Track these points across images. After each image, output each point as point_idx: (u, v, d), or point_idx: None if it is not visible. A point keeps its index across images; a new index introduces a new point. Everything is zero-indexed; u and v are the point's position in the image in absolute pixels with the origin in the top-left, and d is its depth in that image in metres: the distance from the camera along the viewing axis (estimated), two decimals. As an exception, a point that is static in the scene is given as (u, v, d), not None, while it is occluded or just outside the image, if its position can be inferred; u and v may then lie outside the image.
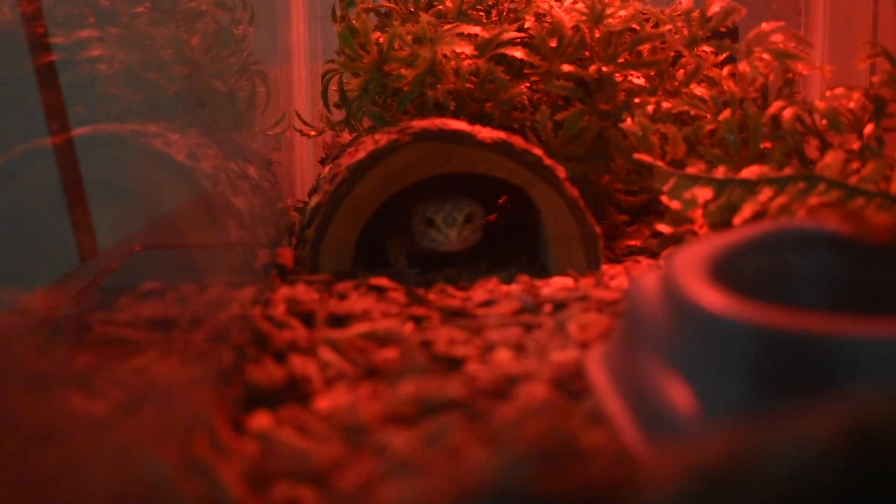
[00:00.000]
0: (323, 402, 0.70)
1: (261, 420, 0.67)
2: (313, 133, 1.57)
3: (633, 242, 1.28)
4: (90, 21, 1.26)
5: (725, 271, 0.67)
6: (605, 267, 1.14)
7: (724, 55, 1.31)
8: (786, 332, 0.55)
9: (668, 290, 0.65)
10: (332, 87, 1.42)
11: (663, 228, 1.12)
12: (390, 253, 1.20)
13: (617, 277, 1.08)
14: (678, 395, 0.58)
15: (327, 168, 1.26)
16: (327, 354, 0.80)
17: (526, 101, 1.33)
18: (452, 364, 0.78)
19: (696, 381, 0.58)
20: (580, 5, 1.32)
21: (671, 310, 0.63)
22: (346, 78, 1.38)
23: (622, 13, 1.29)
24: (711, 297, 0.60)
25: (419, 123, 1.13)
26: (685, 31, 1.31)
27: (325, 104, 1.45)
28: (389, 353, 0.80)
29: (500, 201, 1.43)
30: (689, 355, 0.60)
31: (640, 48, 1.34)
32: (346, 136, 1.49)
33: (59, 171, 1.08)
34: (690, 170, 1.07)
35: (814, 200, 0.98)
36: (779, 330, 0.56)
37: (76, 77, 1.19)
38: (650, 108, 1.25)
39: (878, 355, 0.53)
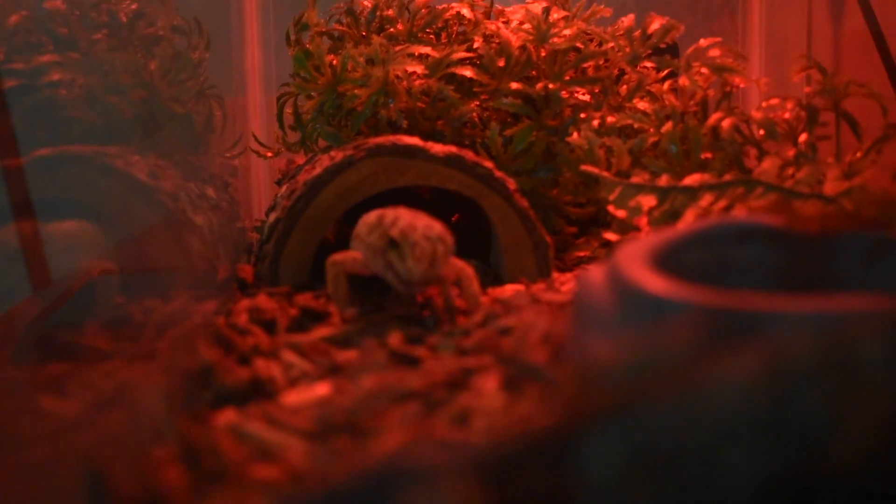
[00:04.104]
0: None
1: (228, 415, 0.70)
2: (269, 154, 1.59)
3: (582, 253, 1.31)
4: (49, 48, 1.28)
5: (667, 263, 0.71)
6: (555, 275, 1.18)
7: (666, 71, 1.36)
8: (724, 310, 0.59)
9: (614, 279, 0.69)
10: (288, 109, 1.45)
11: (610, 236, 1.16)
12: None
13: (567, 283, 1.12)
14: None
15: (284, 187, 1.29)
16: (290, 356, 0.83)
17: (476, 119, 1.37)
18: (411, 361, 0.82)
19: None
20: (526, 26, 1.36)
21: (616, 296, 0.67)
22: (301, 100, 1.41)
23: (566, 32, 1.34)
24: (653, 282, 0.64)
25: (374, 140, 1.16)
26: (627, 49, 1.36)
27: (281, 126, 1.48)
28: (350, 354, 0.83)
29: (453, 219, 1.46)
30: (633, 337, 0.63)
31: (585, 66, 1.39)
32: (301, 160, 1.52)
33: (10, 197, 1.07)
34: (635, 179, 1.11)
35: (753, 203, 1.02)
36: (717, 307, 0.59)
37: (36, 101, 1.21)
38: (595, 122, 1.29)
39: (807, 327, 0.57)
